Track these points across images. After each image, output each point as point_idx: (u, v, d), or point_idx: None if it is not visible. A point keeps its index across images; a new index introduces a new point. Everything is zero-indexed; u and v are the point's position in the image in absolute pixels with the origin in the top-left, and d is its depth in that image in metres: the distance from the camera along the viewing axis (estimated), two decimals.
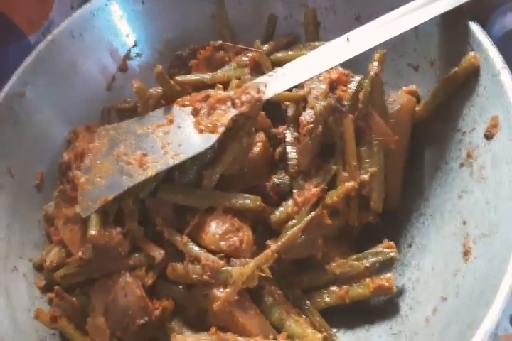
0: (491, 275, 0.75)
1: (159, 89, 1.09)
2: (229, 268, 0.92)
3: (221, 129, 0.98)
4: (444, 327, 0.80)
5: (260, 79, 1.02)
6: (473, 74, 0.90)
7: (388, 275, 0.95)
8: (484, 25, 0.91)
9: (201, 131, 0.99)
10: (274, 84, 0.99)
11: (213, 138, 0.98)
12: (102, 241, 0.94)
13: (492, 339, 1.01)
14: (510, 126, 0.82)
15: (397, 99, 1.02)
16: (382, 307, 0.98)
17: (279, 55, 1.16)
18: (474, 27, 0.91)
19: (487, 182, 0.85)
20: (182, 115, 1.04)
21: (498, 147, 0.84)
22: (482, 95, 0.89)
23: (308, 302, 0.97)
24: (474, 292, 0.78)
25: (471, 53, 0.90)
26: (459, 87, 0.94)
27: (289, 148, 1.04)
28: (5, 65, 1.26)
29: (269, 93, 0.99)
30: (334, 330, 0.97)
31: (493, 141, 0.85)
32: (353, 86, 1.01)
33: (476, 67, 0.89)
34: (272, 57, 1.16)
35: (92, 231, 0.93)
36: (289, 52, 1.15)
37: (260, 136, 1.06)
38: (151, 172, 0.98)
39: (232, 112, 0.99)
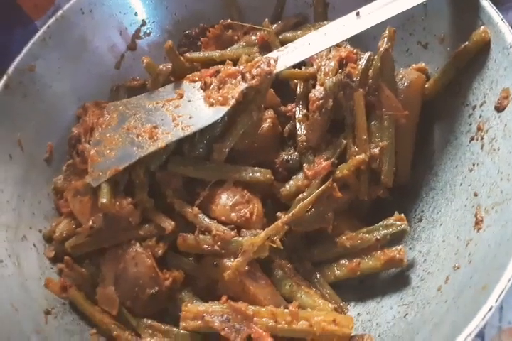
0: (505, 239, 0.76)
1: (169, 66, 1.10)
2: (239, 239, 0.93)
3: (231, 102, 0.98)
4: (457, 293, 0.80)
5: (271, 54, 1.03)
6: (483, 49, 0.91)
7: (399, 247, 0.95)
8: None
9: (211, 104, 1.00)
10: (285, 58, 1.00)
11: (224, 110, 0.99)
12: (113, 210, 0.95)
13: (495, 331, 1.02)
14: None
15: (406, 75, 1.02)
16: (393, 280, 0.98)
17: (288, 34, 1.18)
18: (484, 2, 0.91)
19: (498, 153, 0.86)
20: (192, 90, 1.05)
21: (510, 117, 0.85)
22: (493, 68, 0.90)
23: (318, 275, 0.98)
24: (487, 257, 0.78)
25: (482, 27, 0.91)
26: (469, 62, 0.94)
27: (298, 125, 1.06)
28: (12, 49, 1.27)
29: (279, 66, 0.99)
30: (345, 303, 0.98)
31: (505, 112, 0.86)
32: (362, 62, 1.01)
33: (487, 41, 0.90)
34: (280, 37, 1.17)
35: (103, 200, 0.94)
36: (298, 32, 1.17)
37: (269, 113, 1.07)
38: (161, 143, 0.99)
39: (243, 85, 0.99)
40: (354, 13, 0.98)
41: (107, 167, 0.98)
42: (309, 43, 1.00)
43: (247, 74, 1.00)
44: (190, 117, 1.01)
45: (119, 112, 1.07)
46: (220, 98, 1.00)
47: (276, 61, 1.00)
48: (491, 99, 0.90)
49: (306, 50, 1.00)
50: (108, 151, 1.00)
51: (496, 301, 0.69)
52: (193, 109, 1.02)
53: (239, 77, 1.01)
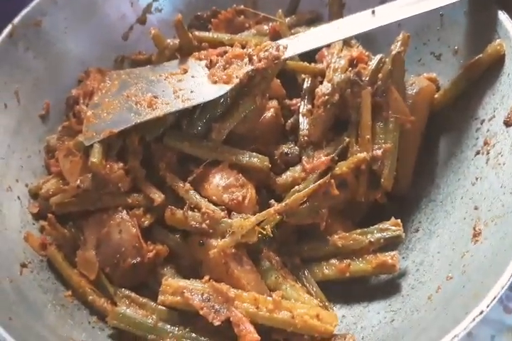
0: (502, 250, 0.78)
1: (176, 41, 1.12)
2: (229, 220, 0.92)
3: (235, 81, 1.00)
4: (447, 301, 0.82)
5: (280, 41, 1.05)
6: (497, 62, 0.94)
7: (392, 253, 0.96)
8: None
9: (215, 82, 1.02)
10: (295, 45, 1.02)
11: (226, 88, 1.01)
12: (102, 171, 0.94)
13: None
14: None
15: (417, 82, 1.05)
16: (383, 287, 0.99)
17: (300, 29, 1.20)
18: (502, 16, 0.95)
19: (503, 167, 0.89)
20: (197, 67, 1.08)
21: None
22: (505, 83, 0.93)
23: (306, 271, 0.98)
24: (482, 267, 0.80)
25: (498, 40, 0.94)
26: (481, 76, 0.97)
27: (301, 119, 1.08)
28: None
29: (288, 53, 1.01)
30: (330, 303, 0.97)
31: None
32: (373, 63, 1.05)
33: (502, 54, 0.94)
34: (292, 31, 1.19)
35: (94, 159, 0.93)
36: (310, 28, 1.17)
37: (274, 103, 1.09)
38: (159, 112, 1.00)
39: (249, 67, 1.02)
40: (370, 10, 1.00)
41: (102, 128, 0.99)
42: (320, 35, 1.02)
43: (255, 57, 1.02)
44: (191, 91, 1.03)
45: (120, 80, 1.08)
46: (224, 76, 1.02)
47: (285, 48, 1.02)
48: (500, 114, 0.93)
49: (316, 40, 1.02)
50: (105, 114, 1.01)
51: (488, 306, 0.71)
52: (196, 84, 1.04)
53: (246, 60, 1.04)
